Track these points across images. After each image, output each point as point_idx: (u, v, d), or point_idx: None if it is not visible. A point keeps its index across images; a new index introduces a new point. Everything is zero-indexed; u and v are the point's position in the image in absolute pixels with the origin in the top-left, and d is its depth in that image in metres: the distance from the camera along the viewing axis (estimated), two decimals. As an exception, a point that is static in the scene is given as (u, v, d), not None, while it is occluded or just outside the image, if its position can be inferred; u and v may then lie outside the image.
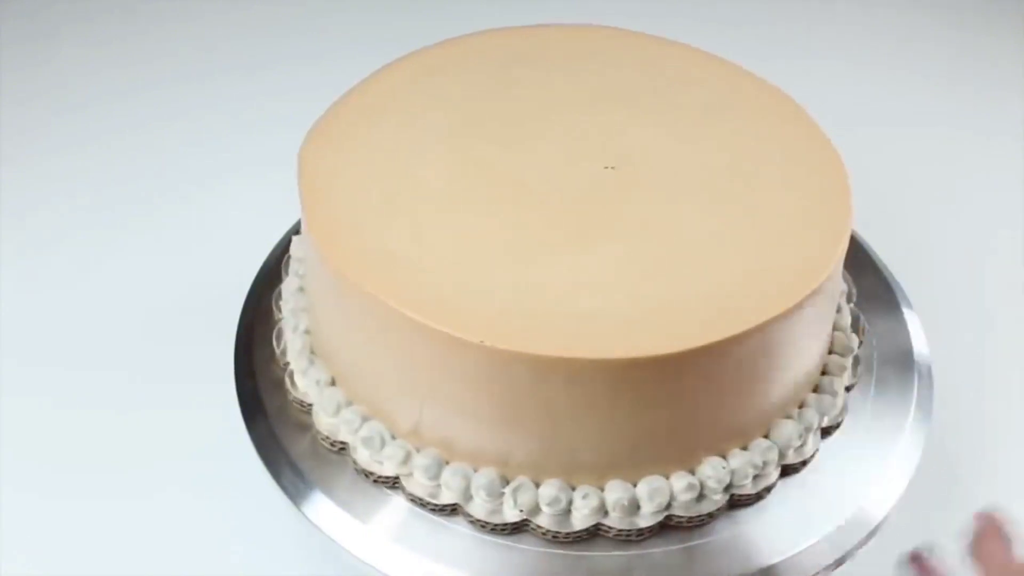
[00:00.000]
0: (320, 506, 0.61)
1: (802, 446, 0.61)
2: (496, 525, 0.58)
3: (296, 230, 0.77)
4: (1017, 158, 1.06)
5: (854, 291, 0.71)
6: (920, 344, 0.72)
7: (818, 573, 0.59)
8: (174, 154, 1.03)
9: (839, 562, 0.59)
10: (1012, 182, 1.03)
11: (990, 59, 1.21)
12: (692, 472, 0.58)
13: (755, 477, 0.59)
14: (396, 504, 0.60)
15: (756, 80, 0.71)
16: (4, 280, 0.88)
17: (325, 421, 0.62)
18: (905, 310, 0.74)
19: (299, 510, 0.61)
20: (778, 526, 0.59)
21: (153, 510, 0.71)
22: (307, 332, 0.66)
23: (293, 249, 0.72)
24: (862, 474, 0.63)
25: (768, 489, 0.60)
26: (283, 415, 0.65)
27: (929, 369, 0.71)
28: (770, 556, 0.58)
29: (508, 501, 0.57)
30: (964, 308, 0.88)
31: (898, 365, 0.69)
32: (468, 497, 0.58)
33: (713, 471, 0.57)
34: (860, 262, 0.74)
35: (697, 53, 0.73)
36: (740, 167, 0.64)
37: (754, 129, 0.67)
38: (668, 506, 0.57)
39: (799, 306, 0.56)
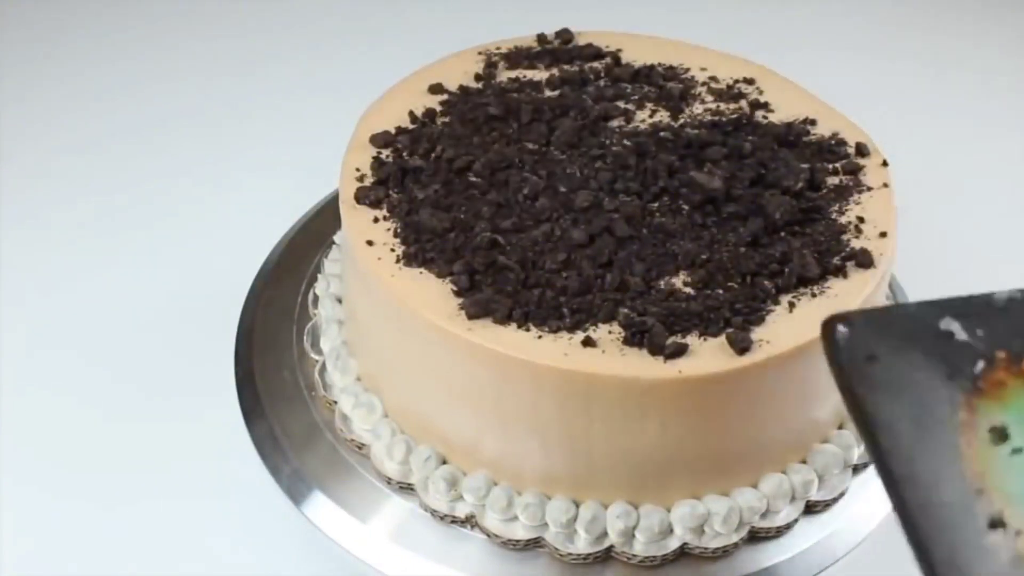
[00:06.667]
0: (320, 506, 0.61)
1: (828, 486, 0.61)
2: (508, 540, 0.58)
3: (296, 230, 0.77)
4: (1019, 156, 1.06)
5: None
6: (920, 344, 0.72)
7: (818, 572, 0.59)
8: (173, 155, 1.03)
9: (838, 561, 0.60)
10: (1014, 181, 1.03)
11: (994, 56, 1.21)
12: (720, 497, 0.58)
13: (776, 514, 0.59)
14: (396, 504, 0.60)
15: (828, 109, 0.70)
16: (4, 280, 0.88)
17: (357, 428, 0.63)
18: (905, 310, 0.74)
19: (299, 510, 0.61)
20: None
21: (154, 510, 0.71)
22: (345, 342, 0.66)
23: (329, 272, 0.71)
24: (861, 474, 0.63)
25: (789, 526, 0.59)
26: (283, 415, 0.65)
27: (929, 369, 0.71)
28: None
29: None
30: (964, 308, 0.88)
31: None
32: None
33: (745, 502, 0.57)
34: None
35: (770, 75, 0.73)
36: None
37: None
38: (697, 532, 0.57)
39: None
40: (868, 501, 0.62)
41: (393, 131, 0.67)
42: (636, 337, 0.53)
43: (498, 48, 0.75)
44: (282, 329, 0.70)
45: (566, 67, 0.73)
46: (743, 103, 0.70)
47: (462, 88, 0.71)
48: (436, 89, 0.70)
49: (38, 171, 1.00)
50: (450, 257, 0.57)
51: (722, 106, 0.70)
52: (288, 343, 0.69)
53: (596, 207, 0.61)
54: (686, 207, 0.61)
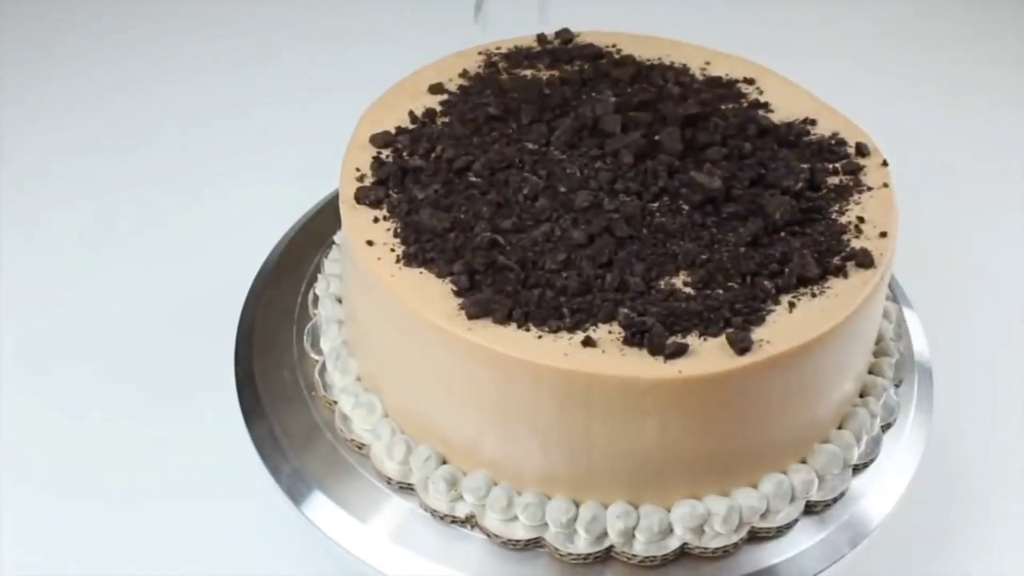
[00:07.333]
0: (320, 506, 0.61)
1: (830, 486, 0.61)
2: (508, 540, 0.58)
3: (296, 230, 0.77)
4: (1018, 157, 1.06)
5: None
6: (920, 344, 0.72)
7: (818, 572, 0.59)
8: (173, 155, 1.03)
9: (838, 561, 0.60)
10: (1013, 181, 1.03)
11: (992, 59, 1.21)
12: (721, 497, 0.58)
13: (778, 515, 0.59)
14: (396, 504, 0.60)
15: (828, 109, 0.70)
16: (4, 280, 0.88)
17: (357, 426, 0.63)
18: (905, 310, 0.74)
19: (299, 510, 0.61)
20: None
21: (154, 510, 0.71)
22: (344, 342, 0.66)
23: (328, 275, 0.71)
24: (862, 474, 0.63)
25: (790, 526, 0.59)
26: (283, 415, 0.65)
27: (929, 369, 0.71)
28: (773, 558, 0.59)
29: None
30: (964, 308, 0.88)
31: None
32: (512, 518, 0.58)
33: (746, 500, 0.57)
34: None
35: (773, 77, 0.73)
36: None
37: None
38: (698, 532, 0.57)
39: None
40: (868, 501, 0.62)
41: (393, 131, 0.67)
42: (636, 337, 0.53)
43: (498, 48, 0.75)
44: (282, 329, 0.70)
45: (566, 67, 0.73)
46: (743, 103, 0.70)
47: (462, 88, 0.71)
48: (436, 89, 0.70)
49: (38, 171, 1.00)
50: (450, 257, 0.57)
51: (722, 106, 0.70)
52: (288, 343, 0.69)
53: (596, 207, 0.61)
54: (686, 207, 0.61)
